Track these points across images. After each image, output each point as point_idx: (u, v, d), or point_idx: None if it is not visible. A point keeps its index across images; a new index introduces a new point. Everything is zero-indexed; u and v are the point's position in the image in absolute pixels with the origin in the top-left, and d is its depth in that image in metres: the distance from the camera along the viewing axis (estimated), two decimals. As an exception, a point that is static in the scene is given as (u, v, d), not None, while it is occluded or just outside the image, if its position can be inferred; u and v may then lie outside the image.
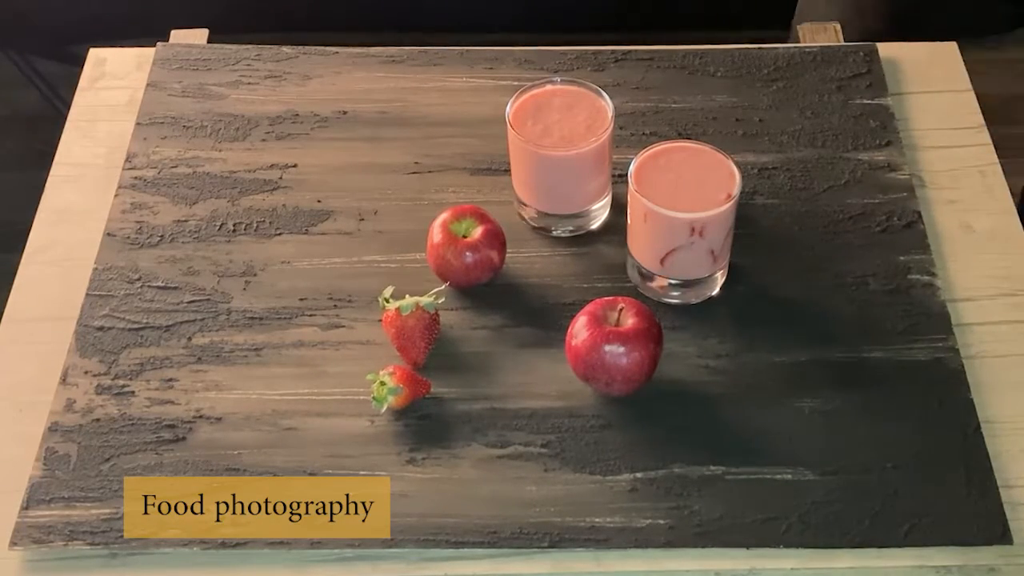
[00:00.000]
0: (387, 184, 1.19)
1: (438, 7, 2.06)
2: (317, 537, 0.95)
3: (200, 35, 1.35)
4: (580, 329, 1.00)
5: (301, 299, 1.10)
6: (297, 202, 1.17)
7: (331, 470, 0.99)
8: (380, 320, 1.06)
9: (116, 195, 1.18)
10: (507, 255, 1.10)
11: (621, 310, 1.00)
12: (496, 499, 0.97)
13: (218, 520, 0.96)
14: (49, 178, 1.21)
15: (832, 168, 1.19)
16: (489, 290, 1.10)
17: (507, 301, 1.09)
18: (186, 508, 0.96)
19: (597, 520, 0.96)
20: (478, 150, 1.21)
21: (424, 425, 1.01)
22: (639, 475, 0.98)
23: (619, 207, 1.14)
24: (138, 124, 1.24)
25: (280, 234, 1.15)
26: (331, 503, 0.96)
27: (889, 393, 1.02)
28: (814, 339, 1.06)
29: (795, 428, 1.00)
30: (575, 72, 1.27)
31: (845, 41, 1.33)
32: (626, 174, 1.05)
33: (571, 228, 1.14)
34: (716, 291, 1.09)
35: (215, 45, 1.32)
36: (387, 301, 1.03)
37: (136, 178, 1.19)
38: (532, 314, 1.08)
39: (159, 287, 1.11)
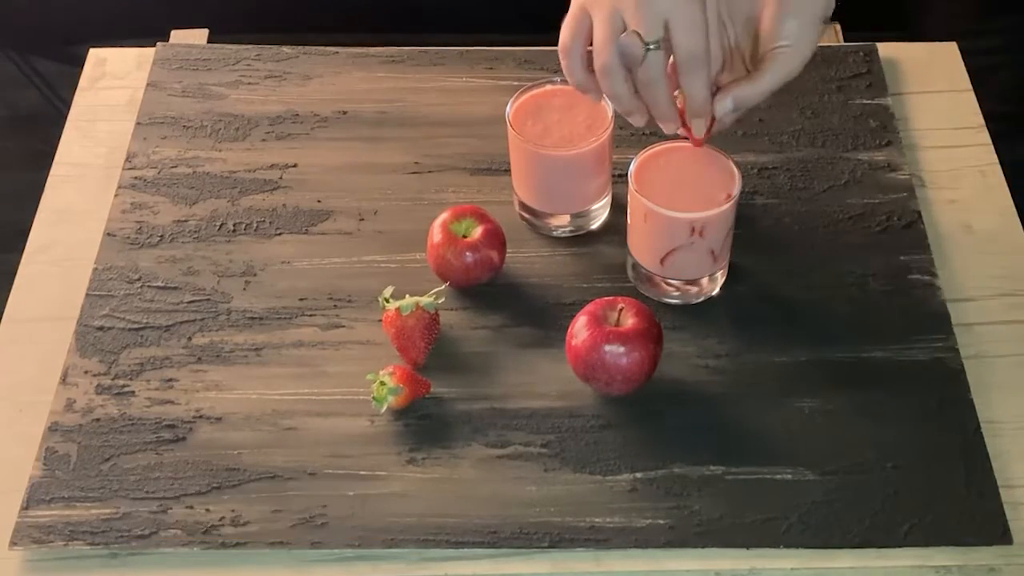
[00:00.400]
0: (387, 184, 1.19)
1: (438, 7, 2.06)
2: (317, 537, 0.95)
3: (200, 35, 1.35)
4: (580, 329, 1.00)
5: (301, 299, 1.10)
6: (297, 202, 1.17)
7: (331, 470, 0.99)
8: (380, 320, 1.06)
9: (116, 195, 1.18)
10: (507, 255, 1.10)
11: (621, 310, 1.00)
12: (496, 499, 0.97)
13: (218, 520, 0.96)
14: (49, 178, 1.21)
15: (832, 168, 1.19)
16: (489, 290, 1.10)
17: (507, 301, 1.09)
18: (186, 508, 0.96)
19: (597, 520, 0.96)
20: (478, 150, 1.21)
21: (424, 425, 1.01)
22: (639, 475, 0.98)
23: (619, 207, 1.14)
24: (138, 124, 1.24)
25: (280, 234, 1.15)
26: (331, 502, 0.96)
27: (889, 393, 1.02)
28: (814, 339, 1.06)
29: (795, 428, 1.00)
30: (575, 72, 1.27)
31: (845, 41, 1.33)
32: (626, 174, 1.05)
33: (571, 228, 1.14)
34: (716, 291, 1.09)
35: (215, 45, 1.32)
36: (387, 301, 1.03)
37: (136, 178, 1.19)
38: (532, 314, 1.08)
39: (159, 287, 1.11)
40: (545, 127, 1.10)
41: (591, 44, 0.95)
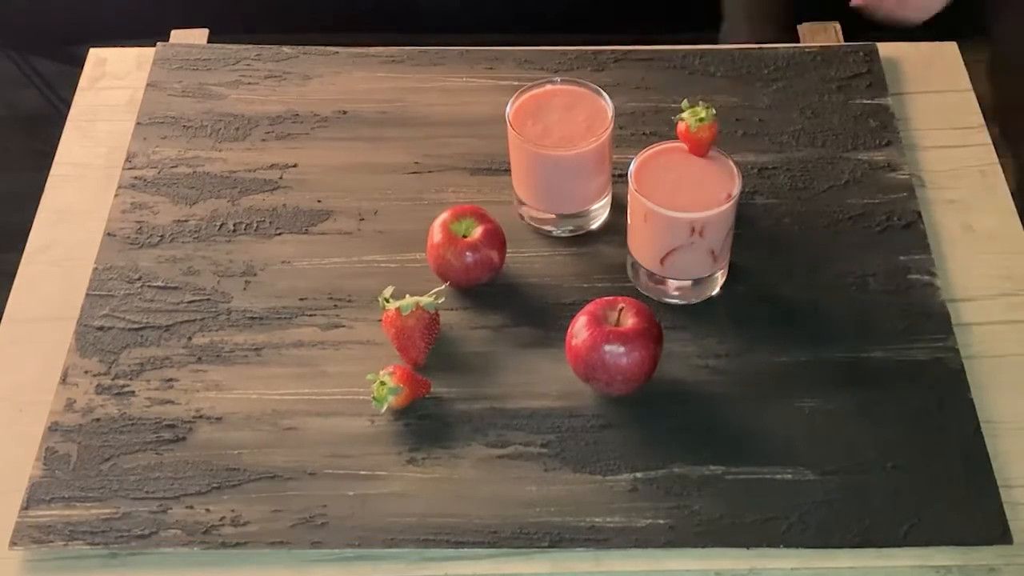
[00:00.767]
0: (387, 184, 1.19)
1: (438, 7, 2.06)
2: (317, 537, 0.95)
3: (200, 35, 1.35)
4: (580, 329, 1.00)
5: (301, 299, 1.10)
6: (297, 202, 1.17)
7: (331, 470, 0.99)
8: (380, 320, 1.06)
9: (116, 195, 1.18)
10: (507, 255, 1.10)
11: (621, 310, 1.00)
12: (496, 499, 0.97)
13: (218, 520, 0.96)
14: (49, 178, 1.21)
15: (832, 168, 1.19)
16: (489, 290, 1.10)
17: (507, 301, 1.09)
18: (186, 508, 0.96)
19: (597, 520, 0.96)
20: (478, 150, 1.21)
21: (424, 425, 1.01)
22: (639, 475, 0.98)
23: (619, 207, 1.14)
24: (138, 124, 1.24)
25: (280, 234, 1.15)
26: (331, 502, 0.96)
27: (889, 393, 1.02)
28: (814, 339, 1.06)
29: (795, 428, 1.00)
30: (575, 72, 1.27)
31: (845, 41, 1.33)
32: (626, 174, 1.05)
33: (571, 228, 1.14)
34: (716, 291, 1.09)
35: (215, 45, 1.32)
36: (387, 301, 1.03)
37: (136, 178, 1.19)
38: (532, 314, 1.08)
39: (159, 287, 1.11)
40: (545, 127, 1.10)
41: None
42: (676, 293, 1.08)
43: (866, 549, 0.94)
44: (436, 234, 1.08)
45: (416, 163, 1.20)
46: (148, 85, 1.27)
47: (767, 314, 1.08)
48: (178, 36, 1.35)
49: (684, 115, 1.05)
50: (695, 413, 1.02)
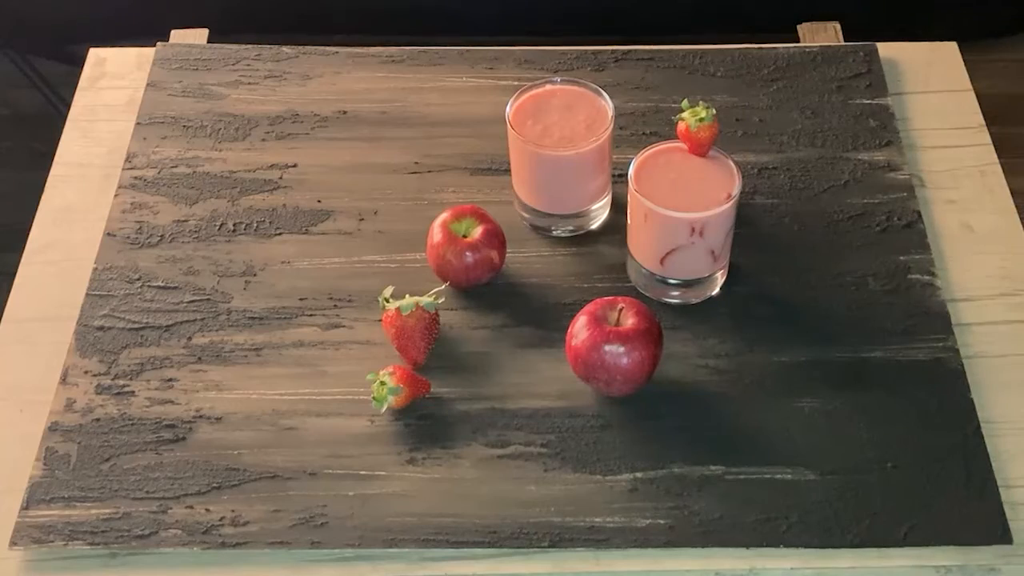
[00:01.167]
0: (387, 184, 1.19)
1: (438, 7, 2.06)
2: (317, 537, 0.95)
3: (200, 35, 1.35)
4: (580, 329, 1.00)
5: (301, 299, 1.10)
6: (297, 202, 1.17)
7: (331, 470, 0.99)
8: (380, 320, 1.06)
9: (116, 195, 1.18)
10: (507, 255, 1.10)
11: (621, 310, 1.00)
12: (496, 499, 0.97)
13: (218, 520, 0.96)
14: (49, 178, 1.21)
15: (832, 168, 1.19)
16: (489, 290, 1.10)
17: (507, 301, 1.09)
18: (186, 508, 0.96)
19: (597, 520, 0.96)
20: (478, 150, 1.21)
21: (424, 425, 1.01)
22: (639, 475, 0.98)
23: (619, 207, 1.14)
24: (138, 124, 1.24)
25: (280, 234, 1.15)
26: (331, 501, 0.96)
27: (889, 393, 1.02)
28: (814, 339, 1.06)
29: (795, 428, 1.00)
30: (575, 72, 1.27)
31: (845, 41, 1.33)
32: (626, 174, 1.05)
33: (571, 228, 1.14)
34: (716, 291, 1.09)
35: (215, 45, 1.32)
36: (387, 301, 1.03)
37: (136, 178, 1.19)
38: (532, 314, 1.08)
39: (159, 287, 1.11)
40: (545, 127, 1.10)
41: None
42: (676, 293, 1.08)
43: (866, 549, 0.94)
44: (436, 234, 1.08)
45: (416, 163, 1.20)
46: (148, 85, 1.27)
47: (767, 314, 1.08)
48: (178, 36, 1.35)
49: (684, 115, 1.05)
50: (695, 413, 1.02)
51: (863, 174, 1.18)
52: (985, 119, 1.24)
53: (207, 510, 0.97)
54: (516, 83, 1.18)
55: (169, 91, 1.27)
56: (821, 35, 1.34)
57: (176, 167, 1.20)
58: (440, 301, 1.04)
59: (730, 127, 1.22)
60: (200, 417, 1.02)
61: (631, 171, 1.05)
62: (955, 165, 1.20)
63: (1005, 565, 0.94)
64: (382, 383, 0.99)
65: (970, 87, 1.27)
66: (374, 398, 0.99)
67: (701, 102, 1.05)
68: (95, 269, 1.12)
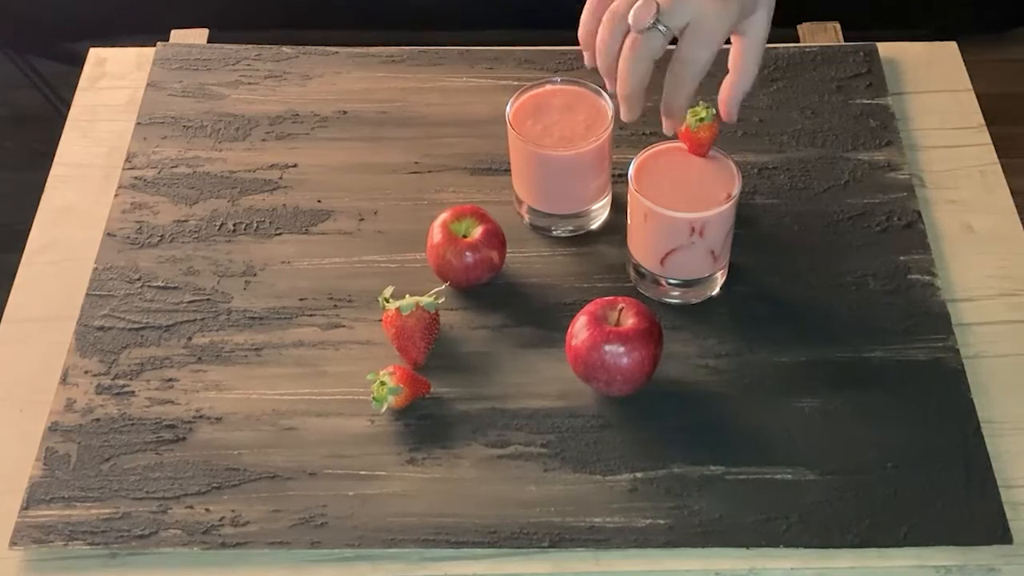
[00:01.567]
0: (387, 184, 1.19)
1: (438, 7, 2.06)
2: (317, 537, 0.95)
3: (200, 35, 1.35)
4: (580, 329, 1.00)
5: (301, 299, 1.10)
6: (297, 202, 1.17)
7: (331, 470, 0.99)
8: (380, 320, 1.06)
9: (116, 195, 1.18)
10: (507, 255, 1.10)
11: (621, 310, 1.00)
12: (496, 499, 0.97)
13: (218, 520, 0.96)
14: (49, 178, 1.21)
15: (832, 168, 1.19)
16: (489, 290, 1.10)
17: (507, 301, 1.09)
18: (186, 508, 0.96)
19: (597, 520, 0.96)
20: (478, 150, 1.21)
21: (424, 425, 1.01)
22: (639, 475, 0.98)
23: (619, 207, 1.14)
24: (138, 124, 1.24)
25: (280, 234, 1.15)
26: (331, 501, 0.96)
27: (889, 393, 1.02)
28: (814, 339, 1.06)
29: (795, 428, 1.00)
30: (575, 72, 1.27)
31: (845, 41, 1.33)
32: (626, 174, 1.05)
33: (571, 228, 1.14)
34: (716, 291, 1.09)
35: (215, 45, 1.32)
36: (387, 301, 1.03)
37: (136, 178, 1.19)
38: (532, 314, 1.08)
39: (159, 287, 1.11)
40: (545, 127, 1.10)
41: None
42: (676, 293, 1.08)
43: (866, 549, 0.94)
44: (436, 234, 1.08)
45: (416, 163, 1.20)
46: (148, 85, 1.27)
47: (767, 314, 1.08)
48: (178, 36, 1.35)
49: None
50: (695, 413, 1.02)
51: (863, 174, 1.18)
52: (985, 119, 1.24)
53: (207, 510, 0.97)
54: (516, 83, 1.18)
55: (169, 91, 1.27)
56: (821, 35, 1.34)
57: (176, 167, 1.20)
58: (440, 301, 1.04)
59: (730, 127, 1.21)
60: (200, 417, 1.02)
61: (631, 171, 1.05)
62: (955, 165, 1.20)
63: (1005, 565, 0.94)
64: (382, 383, 0.99)
65: (970, 87, 1.27)
66: (374, 398, 0.99)
67: (701, 102, 1.05)
68: (95, 269, 1.12)
